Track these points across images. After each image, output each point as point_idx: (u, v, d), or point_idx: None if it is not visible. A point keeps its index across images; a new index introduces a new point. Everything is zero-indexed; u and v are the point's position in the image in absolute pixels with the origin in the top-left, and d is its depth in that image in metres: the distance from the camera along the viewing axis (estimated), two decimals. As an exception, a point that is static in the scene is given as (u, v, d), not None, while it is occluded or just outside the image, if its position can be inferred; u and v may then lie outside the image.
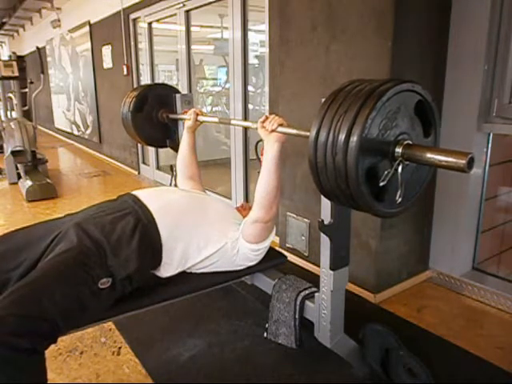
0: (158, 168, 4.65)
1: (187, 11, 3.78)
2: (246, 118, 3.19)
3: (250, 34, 3.09)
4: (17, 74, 5.21)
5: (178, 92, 2.34)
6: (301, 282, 1.62)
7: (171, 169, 2.31)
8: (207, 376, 1.55)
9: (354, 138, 0.95)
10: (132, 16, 4.65)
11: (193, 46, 3.99)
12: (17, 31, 10.48)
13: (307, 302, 1.53)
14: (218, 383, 1.52)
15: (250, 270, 1.65)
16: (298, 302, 1.54)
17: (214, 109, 5.67)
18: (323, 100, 1.06)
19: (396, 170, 1.04)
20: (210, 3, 3.44)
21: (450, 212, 2.16)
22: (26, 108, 5.52)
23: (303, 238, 2.42)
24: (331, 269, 1.37)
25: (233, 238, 1.53)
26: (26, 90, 5.47)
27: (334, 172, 1.00)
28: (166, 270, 1.47)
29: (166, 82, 5.37)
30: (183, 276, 1.52)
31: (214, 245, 1.51)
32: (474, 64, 1.93)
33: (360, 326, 1.51)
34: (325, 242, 1.36)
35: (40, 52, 5.59)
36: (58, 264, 1.23)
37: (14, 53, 5.84)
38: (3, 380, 1.00)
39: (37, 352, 1.07)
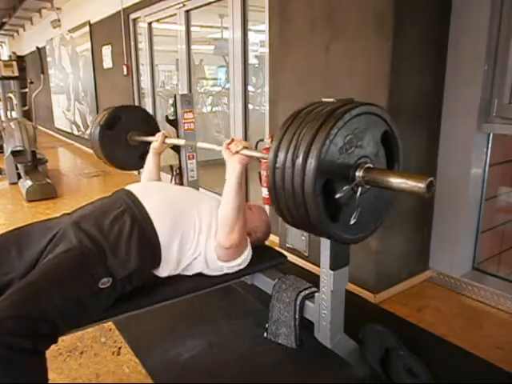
0: (158, 168, 4.65)
1: (187, 11, 3.78)
2: (246, 118, 3.18)
3: (250, 34, 3.09)
4: (17, 74, 5.21)
5: (152, 117, 2.37)
6: (301, 282, 1.63)
7: (171, 169, 2.32)
8: (207, 376, 1.55)
9: (312, 155, 0.94)
10: (132, 16, 4.66)
11: (193, 46, 3.99)
12: (17, 31, 10.48)
13: (307, 302, 1.53)
14: (218, 383, 1.52)
15: (250, 270, 1.65)
16: (297, 302, 1.54)
17: (214, 109, 5.67)
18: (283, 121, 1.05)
19: (354, 191, 1.02)
20: (210, 3, 3.44)
21: (450, 212, 2.16)
22: (26, 108, 5.52)
23: (303, 238, 2.42)
24: (331, 269, 1.37)
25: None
26: (26, 90, 5.46)
27: (292, 189, 0.98)
28: (165, 269, 1.47)
29: (166, 82, 5.37)
30: (183, 276, 1.52)
31: (202, 247, 1.49)
32: (474, 64, 1.93)
33: (360, 326, 1.50)
34: (325, 242, 1.36)
35: (40, 52, 5.60)
36: (58, 265, 1.23)
37: (14, 53, 5.83)
38: (4, 380, 1.00)
39: (37, 352, 1.07)
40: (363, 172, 1.02)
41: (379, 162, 1.09)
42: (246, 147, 1.42)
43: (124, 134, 2.20)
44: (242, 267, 1.56)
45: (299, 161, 0.96)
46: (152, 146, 1.97)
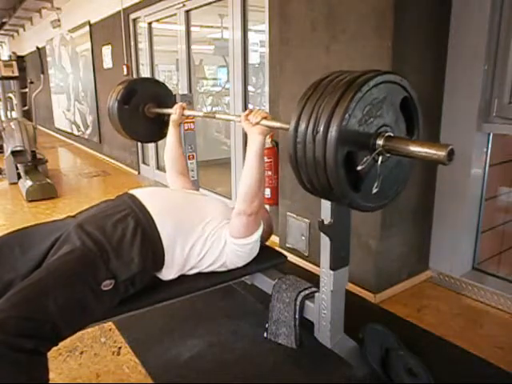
0: (158, 168, 4.65)
1: (187, 11, 3.78)
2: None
3: (250, 34, 3.09)
4: (17, 74, 5.21)
5: (167, 88, 2.34)
6: (301, 282, 1.63)
7: (171, 169, 2.31)
8: (207, 376, 1.55)
9: (333, 126, 0.94)
10: (132, 16, 4.65)
11: (193, 46, 3.99)
12: (17, 31, 10.48)
13: (307, 302, 1.53)
14: (217, 383, 1.52)
15: (250, 270, 1.65)
16: (297, 302, 1.54)
17: (214, 109, 5.68)
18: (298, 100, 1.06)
19: (375, 160, 1.03)
20: (209, 3, 3.44)
21: (450, 212, 2.16)
22: (26, 108, 5.52)
23: (303, 237, 2.42)
24: (331, 269, 1.37)
25: (224, 239, 1.53)
26: (26, 90, 5.47)
27: (314, 161, 0.99)
28: (168, 272, 1.47)
29: (166, 82, 5.37)
30: (183, 276, 1.52)
31: (211, 245, 1.51)
32: (474, 64, 1.93)
33: (360, 325, 1.51)
34: (325, 242, 1.36)
35: (40, 52, 5.60)
36: (61, 266, 1.24)
37: (13, 53, 5.84)
38: (6, 380, 1.00)
39: (39, 353, 1.07)
40: (384, 141, 1.02)
41: (399, 128, 1.10)
42: (265, 117, 1.41)
43: (141, 107, 2.20)
44: (254, 254, 1.59)
45: (320, 134, 0.97)
46: (171, 119, 1.97)
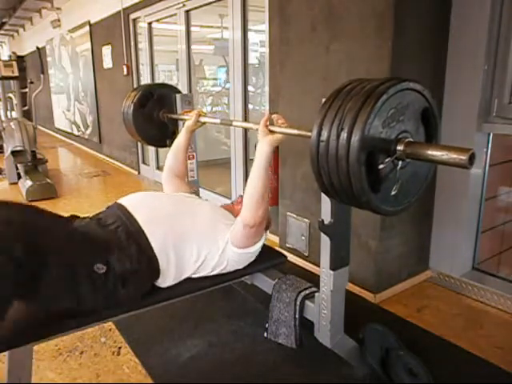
0: (158, 168, 4.65)
1: (187, 11, 3.78)
2: (246, 118, 3.19)
3: (250, 34, 3.09)
4: (17, 74, 5.21)
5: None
6: (301, 282, 1.63)
7: (171, 169, 2.31)
8: (207, 376, 1.55)
9: (359, 123, 0.96)
10: (132, 16, 4.66)
11: (193, 46, 3.99)
12: (17, 31, 10.48)
13: (307, 302, 1.53)
14: (217, 383, 1.52)
15: (250, 270, 1.65)
16: (298, 302, 1.54)
17: (213, 109, 5.68)
18: (324, 100, 1.07)
19: (395, 164, 1.05)
20: (209, 3, 3.44)
21: (450, 212, 2.16)
22: (26, 108, 5.52)
23: (303, 237, 2.42)
24: (331, 269, 1.37)
25: (223, 243, 1.51)
26: (26, 90, 5.47)
27: (336, 159, 1.01)
28: (166, 280, 1.45)
29: (165, 82, 5.37)
30: (183, 276, 1.52)
31: (206, 252, 1.49)
32: (474, 64, 1.93)
33: (360, 326, 1.51)
34: (325, 241, 1.36)
35: (40, 52, 5.60)
36: None
37: (13, 53, 5.84)
38: None
39: None
40: (404, 146, 1.04)
41: (419, 138, 1.12)
42: (283, 124, 1.41)
43: (156, 111, 2.22)
44: (253, 258, 1.60)
45: (344, 133, 0.98)
46: (186, 124, 1.97)
